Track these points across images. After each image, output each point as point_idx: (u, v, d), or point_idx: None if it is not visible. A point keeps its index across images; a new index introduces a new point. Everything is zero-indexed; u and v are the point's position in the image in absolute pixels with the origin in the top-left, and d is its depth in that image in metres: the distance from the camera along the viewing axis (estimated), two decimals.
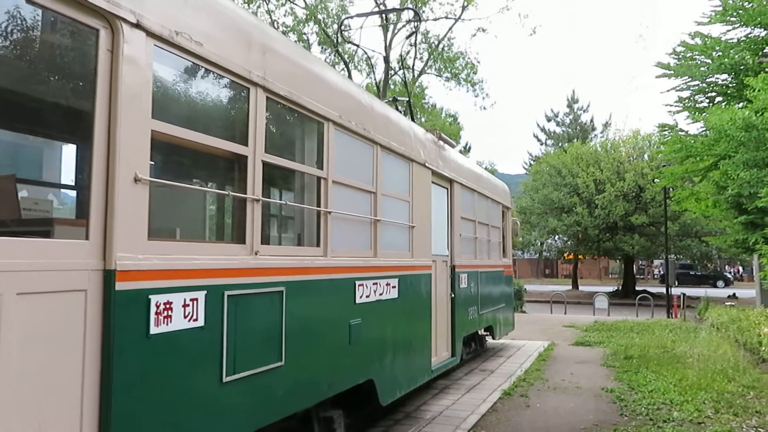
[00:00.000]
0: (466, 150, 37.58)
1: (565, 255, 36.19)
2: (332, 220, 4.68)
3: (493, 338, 10.48)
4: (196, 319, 3.13)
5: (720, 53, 15.07)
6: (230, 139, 3.58)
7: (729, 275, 45.08)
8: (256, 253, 3.66)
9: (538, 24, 61.41)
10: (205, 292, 3.19)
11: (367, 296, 5.23)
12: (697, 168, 15.80)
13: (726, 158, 12.69)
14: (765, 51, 13.93)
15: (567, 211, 28.84)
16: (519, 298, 22.97)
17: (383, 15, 18.35)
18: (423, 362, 6.68)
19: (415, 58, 21.23)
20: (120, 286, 2.67)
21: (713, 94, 16.53)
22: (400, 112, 8.46)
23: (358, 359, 5.04)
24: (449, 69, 21.50)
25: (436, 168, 7.30)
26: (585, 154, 29.90)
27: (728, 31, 15.16)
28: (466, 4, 19.95)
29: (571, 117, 49.55)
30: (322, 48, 22.54)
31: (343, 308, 4.82)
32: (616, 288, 33.85)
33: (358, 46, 14.77)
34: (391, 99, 9.32)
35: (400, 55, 21.28)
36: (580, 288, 36.98)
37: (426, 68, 21.89)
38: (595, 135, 46.66)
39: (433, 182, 7.25)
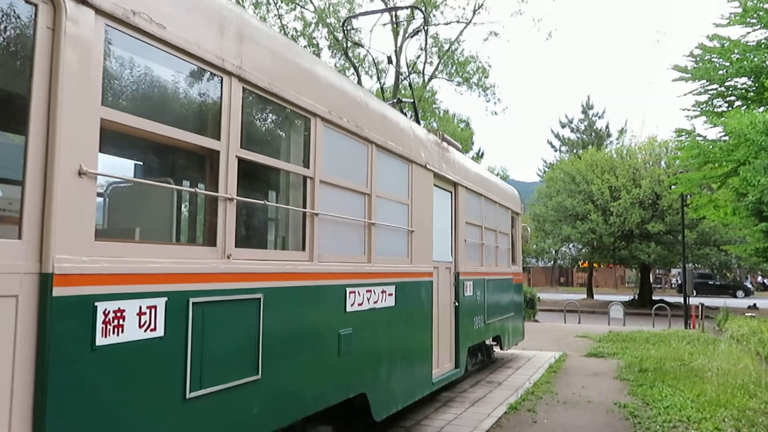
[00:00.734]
0: (478, 156, 37.17)
1: (580, 263, 35.51)
2: (320, 223, 4.37)
3: (501, 348, 10.08)
4: (154, 329, 2.83)
5: (739, 56, 14.60)
6: (199, 132, 3.28)
7: (749, 285, 44.03)
8: (228, 257, 3.36)
9: (553, 28, 60.77)
10: (166, 299, 2.89)
11: (360, 304, 4.91)
12: (715, 174, 15.31)
13: (746, 164, 12.23)
14: None
15: (581, 218, 28.28)
16: (532, 307, 22.48)
17: (391, 15, 18.07)
18: (423, 374, 6.33)
19: (425, 62, 20.94)
20: (58, 291, 2.37)
21: (732, 97, 16.05)
22: (405, 113, 8.16)
23: (348, 372, 4.71)
24: (460, 73, 21.16)
25: (439, 170, 6.97)
26: (600, 160, 29.33)
27: (748, 33, 14.70)
28: (477, 7, 19.65)
29: (585, 123, 48.90)
30: (332, 53, 22.35)
31: (331, 317, 4.50)
32: (632, 297, 33.14)
33: (361, 45, 14.48)
34: (395, 100, 9.01)
35: (406, 58, 20.99)
36: (596, 297, 36.29)
37: (437, 72, 21.57)
38: (611, 141, 45.95)
39: (435, 185, 6.91)
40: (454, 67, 21.29)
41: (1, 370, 2.22)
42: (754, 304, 29.25)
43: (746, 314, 18.52)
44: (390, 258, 5.63)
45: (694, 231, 25.71)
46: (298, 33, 22.22)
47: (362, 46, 14.22)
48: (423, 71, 21.22)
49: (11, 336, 2.25)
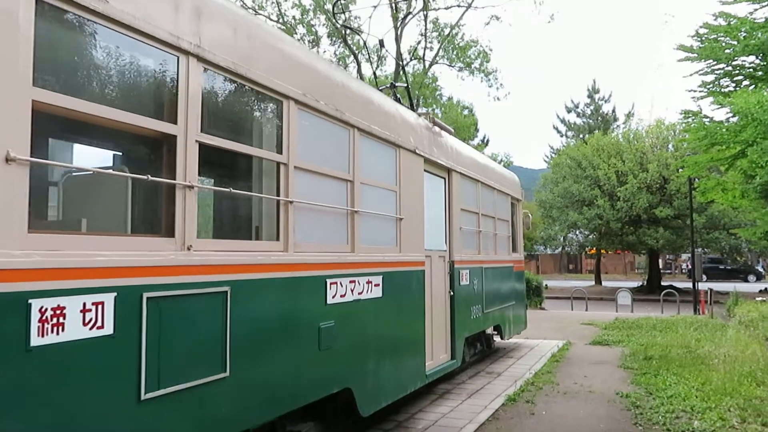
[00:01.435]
0: (483, 143, 36.78)
1: (588, 250, 35.15)
2: (296, 211, 4.16)
3: (502, 338, 9.86)
4: (101, 327, 2.63)
5: (746, 34, 14.18)
6: (153, 116, 3.07)
7: (761, 269, 43.45)
8: (188, 248, 3.16)
9: (555, 11, 59.93)
10: (115, 294, 2.70)
11: (342, 296, 4.70)
12: (723, 156, 14.95)
13: (754, 145, 11.89)
14: None
15: (588, 204, 27.91)
16: (538, 295, 22.23)
17: (390, 0, 17.71)
18: (415, 367, 6.13)
19: (425, 48, 20.60)
20: None
21: (740, 77, 15.63)
22: (399, 99, 7.91)
23: (330, 366, 4.52)
24: (461, 58, 20.80)
25: (430, 155, 6.73)
26: (606, 145, 28.89)
27: (755, 10, 14.27)
28: None
29: (592, 107, 48.28)
30: (331, 40, 22.06)
31: (310, 309, 4.30)
32: (640, 283, 32.79)
33: (350, 28, 14.14)
34: (389, 85, 8.75)
35: (401, 44, 20.61)
36: (604, 283, 35.95)
37: (437, 58, 21.22)
38: (617, 126, 45.35)
39: (426, 171, 6.68)
40: (455, 52, 20.92)
41: None
42: (766, 289, 28.82)
43: (757, 299, 18.19)
44: (376, 247, 5.42)
45: (703, 215, 25.31)
46: (297, 21, 21.94)
47: (352, 29, 13.88)
48: (423, 57, 20.89)
49: None
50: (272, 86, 3.92)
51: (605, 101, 48.46)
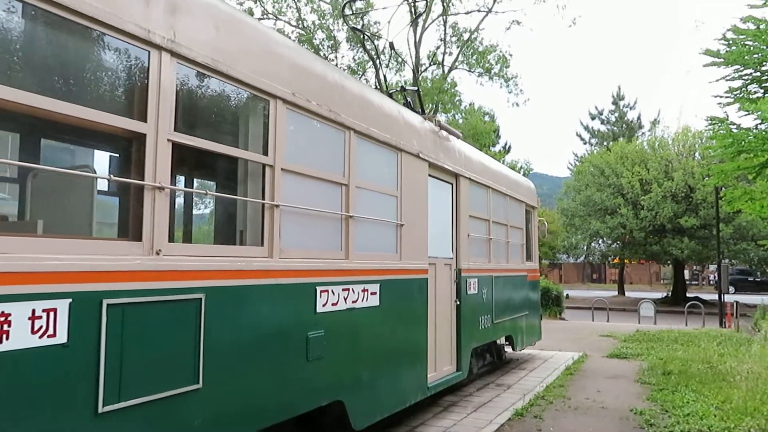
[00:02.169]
0: (505, 150, 36.35)
1: (611, 259, 34.41)
2: (283, 215, 3.98)
3: (513, 349, 9.56)
4: (53, 335, 2.48)
5: None
6: (119, 113, 2.92)
7: None
8: (157, 253, 3.00)
9: (577, 15, 59.21)
10: (70, 300, 2.54)
11: (334, 304, 4.51)
12: (750, 165, 14.43)
13: None
14: None
15: (611, 212, 27.32)
16: (558, 305, 21.76)
17: (409, 5, 17.53)
18: (415, 379, 5.90)
19: (444, 53, 20.38)
20: None
21: None
22: (410, 103, 7.71)
23: (319, 377, 4.32)
24: (480, 63, 20.52)
25: (435, 160, 6.51)
26: (630, 152, 28.27)
27: None
28: None
29: (616, 114, 47.39)
30: (350, 46, 21.99)
31: (297, 318, 4.11)
32: (665, 294, 31.96)
33: (360, 30, 13.94)
34: (399, 89, 8.56)
35: (416, 47, 20.37)
36: (628, 294, 35.18)
37: (456, 63, 20.98)
38: (642, 133, 44.42)
39: (431, 176, 6.46)
40: (474, 57, 20.65)
41: None
42: None
43: None
44: (374, 254, 5.22)
45: (731, 225, 24.55)
46: (316, 26, 21.93)
47: (360, 31, 13.67)
48: (443, 62, 20.66)
49: None
50: (258, 85, 3.76)
51: (630, 108, 47.59)
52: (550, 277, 44.32)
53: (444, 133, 6.92)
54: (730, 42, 14.78)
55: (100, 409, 2.66)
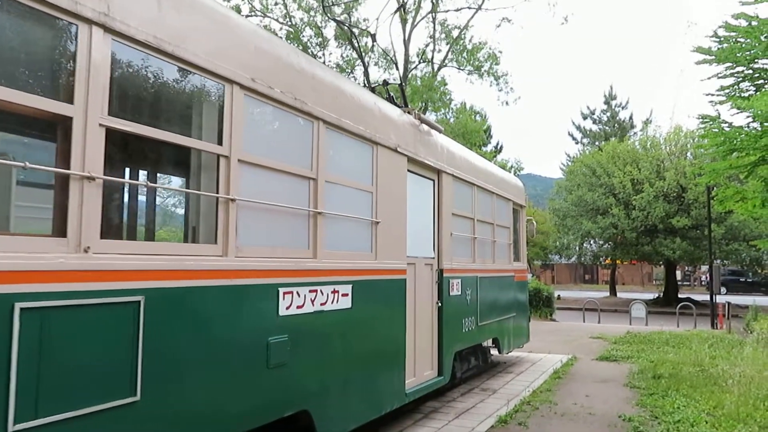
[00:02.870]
0: (496, 150, 36.10)
1: (603, 260, 34.23)
2: (240, 211, 3.67)
3: (500, 352, 9.26)
4: None
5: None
6: (40, 93, 2.60)
7: None
8: (85, 250, 2.68)
9: (569, 12, 59.05)
10: None
11: (300, 306, 4.19)
12: (742, 163, 14.23)
13: None
14: None
15: (602, 212, 27.11)
16: (548, 306, 21.52)
17: (398, 1, 17.21)
18: (392, 385, 5.59)
19: (434, 51, 20.09)
20: None
21: (761, 81, 14.92)
22: (393, 98, 7.39)
23: (281, 386, 4.00)
24: (470, 61, 20.24)
25: (415, 155, 6.21)
26: (622, 152, 28.07)
27: None
28: None
29: (608, 114, 47.29)
30: (338, 43, 21.67)
31: (256, 322, 3.80)
32: (656, 295, 31.80)
33: (342, 23, 13.62)
34: (382, 83, 8.25)
35: (404, 44, 20.06)
36: (620, 294, 35.00)
37: (446, 61, 20.69)
38: (634, 133, 44.29)
39: (410, 171, 6.16)
40: (463, 54, 20.37)
41: None
42: None
43: None
44: (346, 253, 4.91)
45: (722, 225, 24.39)
46: (305, 23, 21.59)
47: (340, 22, 13.35)
48: (432, 60, 20.37)
49: None
50: (210, 68, 3.44)
51: (622, 108, 47.50)
52: (543, 278, 44.16)
53: (425, 127, 6.62)
54: (722, 39, 14.57)
55: (11, 428, 2.34)
